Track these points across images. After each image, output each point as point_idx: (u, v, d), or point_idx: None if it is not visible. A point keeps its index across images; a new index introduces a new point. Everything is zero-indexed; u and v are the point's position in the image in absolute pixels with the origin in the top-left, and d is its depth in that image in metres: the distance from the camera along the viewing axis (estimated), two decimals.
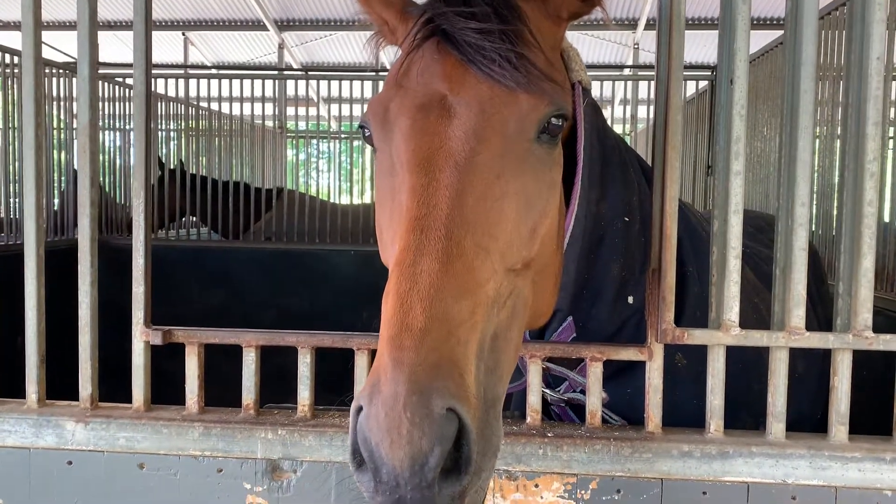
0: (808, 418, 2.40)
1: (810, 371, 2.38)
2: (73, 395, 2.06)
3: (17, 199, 6.61)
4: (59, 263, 3.24)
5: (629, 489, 1.82)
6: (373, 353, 1.90)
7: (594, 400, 1.89)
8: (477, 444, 1.17)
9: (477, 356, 1.25)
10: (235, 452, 1.92)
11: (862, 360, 1.86)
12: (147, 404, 2.00)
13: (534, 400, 1.90)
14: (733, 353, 1.93)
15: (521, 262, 1.45)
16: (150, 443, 1.93)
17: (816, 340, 1.79)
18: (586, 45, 16.65)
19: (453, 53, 1.51)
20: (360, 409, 1.18)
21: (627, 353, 1.87)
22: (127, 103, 7.94)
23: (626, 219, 1.98)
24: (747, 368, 2.05)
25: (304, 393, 1.96)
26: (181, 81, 8.50)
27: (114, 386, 2.41)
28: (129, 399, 2.01)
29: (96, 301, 2.00)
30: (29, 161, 1.98)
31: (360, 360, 1.94)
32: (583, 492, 1.83)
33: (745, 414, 2.05)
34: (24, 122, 1.96)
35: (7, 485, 1.97)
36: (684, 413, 1.97)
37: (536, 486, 1.85)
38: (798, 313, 1.78)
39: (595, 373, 1.87)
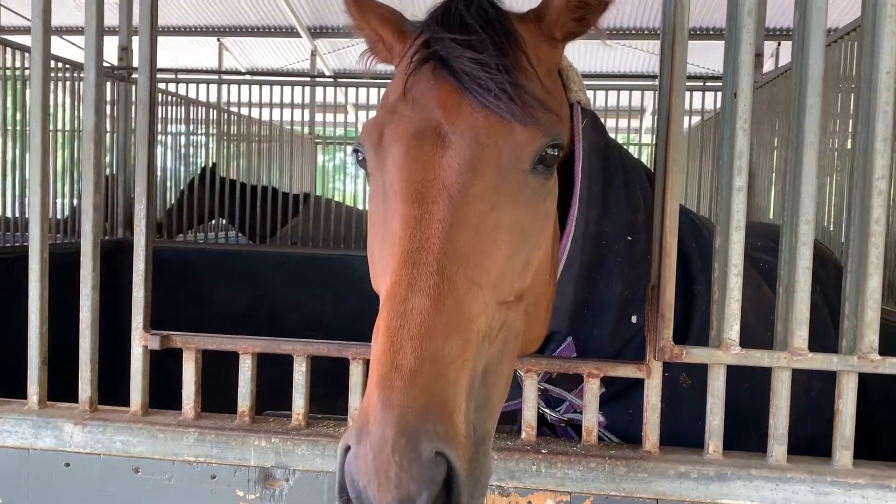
0: (824, 438, 2.33)
1: (827, 390, 2.32)
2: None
3: (63, 200, 6.79)
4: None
5: None
6: (368, 363, 1.88)
7: (591, 416, 1.85)
8: (466, 486, 1.15)
9: (467, 393, 1.23)
10: (229, 459, 1.92)
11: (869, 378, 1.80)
12: (144, 408, 2.01)
13: (529, 415, 1.87)
14: (743, 373, 1.89)
15: (514, 294, 1.42)
16: (145, 447, 1.94)
17: (819, 362, 1.74)
18: (618, 54, 16.55)
19: (449, 81, 1.49)
20: (347, 448, 1.17)
21: (625, 370, 1.84)
22: (161, 107, 8.10)
23: (629, 238, 1.95)
24: (758, 389, 2.00)
25: (299, 401, 1.96)
26: (213, 87, 8.63)
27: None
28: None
29: (97, 305, 2.02)
30: (35, 165, 2.01)
31: (356, 370, 1.93)
32: None
33: (755, 436, 2.00)
34: (31, 126, 1.99)
35: (7, 485, 2.00)
36: (689, 435, 1.92)
37: (529, 502, 1.82)
38: (801, 334, 1.73)
39: (592, 389, 1.84)
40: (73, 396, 2.06)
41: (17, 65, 6.05)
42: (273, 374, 2.37)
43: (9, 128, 6.13)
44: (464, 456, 1.16)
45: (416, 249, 1.32)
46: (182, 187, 8.41)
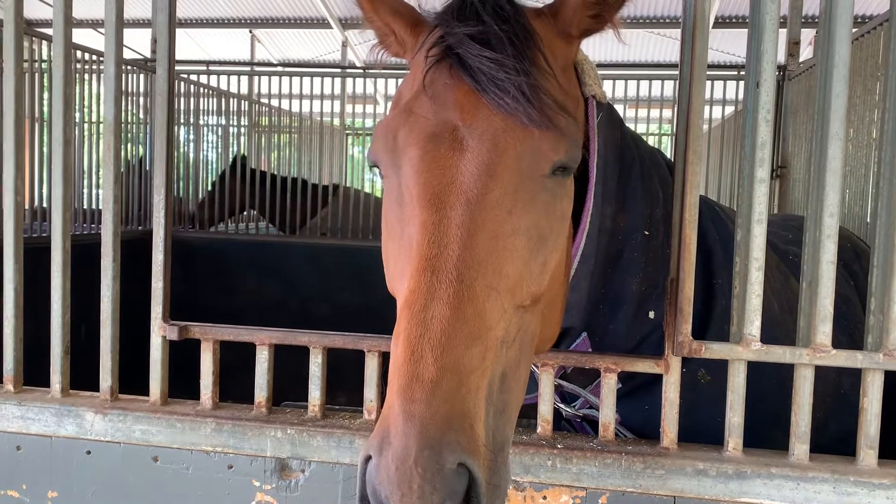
0: (853, 437, 2.27)
1: (858, 388, 2.26)
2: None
3: (95, 191, 6.91)
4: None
5: None
6: (384, 355, 1.88)
7: (607, 412, 1.83)
8: (486, 497, 1.15)
9: (486, 401, 1.23)
10: (246, 450, 1.93)
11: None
12: (164, 398, 2.03)
13: (545, 409, 1.85)
14: (769, 370, 1.85)
15: (531, 298, 1.40)
16: (164, 436, 1.96)
17: (844, 359, 1.69)
18: (651, 42, 16.32)
19: (467, 81, 1.45)
20: (368, 457, 1.17)
21: (643, 366, 1.81)
22: (193, 99, 8.18)
23: (647, 232, 1.91)
24: (785, 385, 1.96)
25: (315, 393, 1.96)
26: (245, 79, 8.69)
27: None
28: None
29: (118, 295, 2.05)
30: (57, 155, 2.04)
31: (371, 363, 1.92)
32: None
33: (780, 433, 1.96)
34: (53, 117, 2.01)
35: (30, 472, 2.03)
36: (708, 432, 1.89)
37: (544, 497, 1.80)
38: (824, 330, 1.68)
39: (609, 384, 1.81)
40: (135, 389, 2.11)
41: (46, 57, 6.14)
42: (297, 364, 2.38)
43: (45, 120, 6.24)
44: (485, 465, 1.16)
45: (435, 256, 1.30)
46: (213, 178, 8.51)
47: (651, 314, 1.91)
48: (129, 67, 7.15)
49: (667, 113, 10.31)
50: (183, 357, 2.41)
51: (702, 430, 1.86)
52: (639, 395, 1.95)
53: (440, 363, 1.18)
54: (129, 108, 7.29)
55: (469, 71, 1.45)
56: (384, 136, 1.51)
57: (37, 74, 5.94)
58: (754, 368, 1.78)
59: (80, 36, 14.96)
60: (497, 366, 1.27)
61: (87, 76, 6.67)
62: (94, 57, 6.76)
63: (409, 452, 1.11)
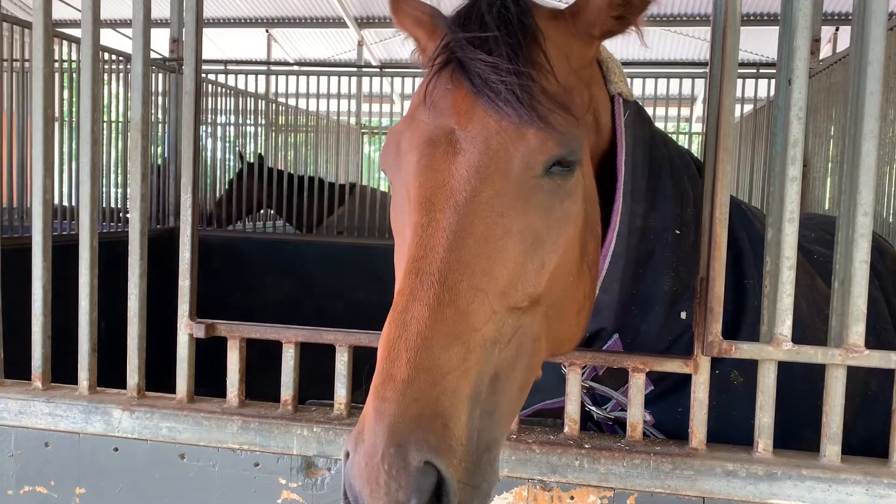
0: (881, 438, 2.25)
1: (886, 388, 2.24)
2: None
3: (114, 190, 6.97)
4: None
5: None
6: None
7: (635, 412, 1.81)
8: (458, 495, 1.17)
9: (471, 401, 1.23)
10: (272, 447, 1.93)
11: None
12: (190, 395, 2.04)
13: (572, 409, 1.84)
14: (802, 371, 1.83)
15: (528, 299, 1.39)
16: (190, 434, 1.97)
17: (877, 360, 1.67)
18: (669, 41, 16.24)
19: (465, 85, 1.46)
20: (348, 453, 1.22)
21: (672, 365, 1.79)
22: (211, 98, 8.23)
23: (678, 231, 1.89)
24: (817, 386, 1.94)
25: (341, 391, 1.96)
26: (262, 78, 8.72)
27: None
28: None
29: (145, 293, 2.06)
30: (85, 154, 2.05)
31: None
32: None
33: (812, 434, 1.94)
34: (81, 116, 2.03)
35: (58, 468, 2.05)
36: (740, 434, 1.87)
37: (572, 497, 1.79)
38: (857, 330, 1.66)
39: (637, 384, 1.80)
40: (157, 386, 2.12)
41: (74, 57, 6.19)
42: (318, 362, 2.38)
43: (66, 119, 6.29)
44: (459, 464, 1.18)
45: (421, 258, 1.32)
46: (231, 177, 8.55)
47: (683, 315, 1.89)
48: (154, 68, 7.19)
49: (684, 111, 10.26)
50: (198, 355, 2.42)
51: (735, 431, 1.84)
52: (671, 398, 1.94)
53: (413, 363, 1.20)
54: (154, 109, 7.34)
55: (468, 75, 1.46)
56: (391, 142, 1.55)
57: (56, 74, 5.99)
58: (786, 369, 1.76)
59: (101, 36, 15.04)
60: (485, 366, 1.28)
61: (106, 76, 6.72)
62: (115, 57, 6.81)
63: (377, 450, 1.14)
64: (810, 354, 1.69)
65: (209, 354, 2.48)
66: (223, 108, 8.54)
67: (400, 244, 1.48)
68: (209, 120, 8.26)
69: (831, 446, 1.71)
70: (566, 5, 1.70)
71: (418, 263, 1.31)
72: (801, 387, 1.93)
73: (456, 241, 1.32)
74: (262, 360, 2.70)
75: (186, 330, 2.03)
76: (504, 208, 1.38)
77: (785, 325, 1.69)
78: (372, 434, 1.16)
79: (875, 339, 2.36)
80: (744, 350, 1.71)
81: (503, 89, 1.41)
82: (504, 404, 1.32)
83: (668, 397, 1.96)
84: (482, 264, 1.32)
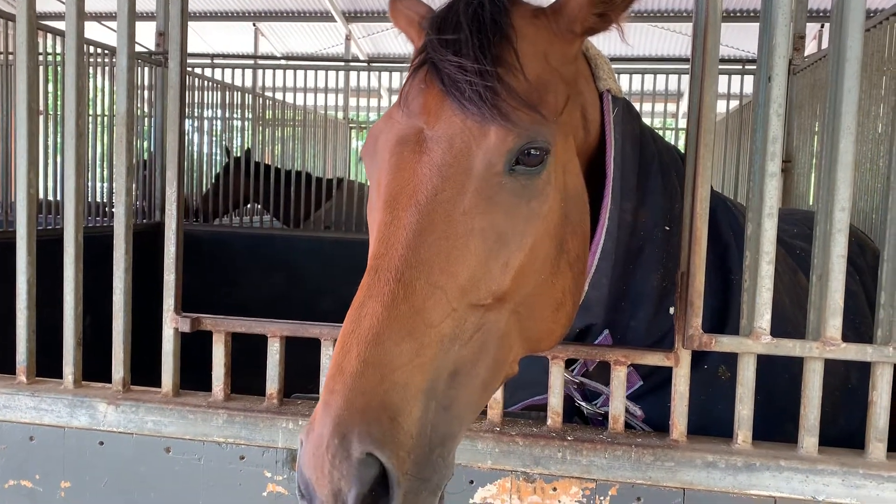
0: (861, 430, 2.28)
1: (865, 382, 2.27)
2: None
3: (98, 184, 6.94)
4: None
5: (650, 498, 1.77)
6: None
7: (617, 404, 1.84)
8: (404, 486, 1.20)
9: (426, 395, 1.26)
10: (258, 441, 1.94)
11: None
12: (175, 389, 2.05)
13: (554, 402, 1.86)
14: (782, 364, 1.85)
15: (492, 296, 1.40)
16: (176, 427, 1.98)
17: (854, 352, 1.70)
18: (655, 36, 16.29)
19: (436, 85, 1.49)
20: (302, 442, 1.26)
21: (653, 358, 1.82)
22: (197, 92, 8.20)
23: (667, 227, 1.91)
24: (797, 379, 1.96)
25: None
26: (249, 72, 8.69)
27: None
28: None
29: (130, 287, 2.06)
30: (70, 148, 2.05)
31: None
32: (602, 498, 1.79)
33: (793, 427, 1.97)
34: (66, 110, 2.02)
35: (43, 462, 2.05)
36: (727, 428, 1.89)
37: (554, 489, 1.82)
38: (834, 323, 1.69)
39: (619, 377, 1.82)
40: (143, 380, 2.13)
41: (57, 50, 6.14)
42: (304, 356, 2.39)
43: (50, 113, 6.25)
44: (407, 456, 1.21)
45: (381, 255, 1.35)
46: (217, 171, 8.52)
47: (671, 310, 1.91)
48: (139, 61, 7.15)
49: (671, 107, 10.30)
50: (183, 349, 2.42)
51: (722, 425, 1.86)
52: (660, 393, 1.96)
53: (363, 357, 1.24)
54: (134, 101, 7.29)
55: (439, 75, 1.49)
56: (370, 140, 1.58)
57: (41, 67, 5.95)
58: (768, 362, 1.78)
59: (85, 29, 14.93)
60: (443, 362, 1.30)
61: (91, 70, 6.68)
62: (100, 50, 6.77)
63: (322, 440, 1.19)
64: (789, 347, 1.72)
65: (195, 349, 2.48)
66: (210, 102, 8.50)
67: (370, 241, 1.51)
68: (196, 114, 8.23)
69: (809, 438, 1.74)
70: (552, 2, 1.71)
71: (378, 261, 1.35)
72: (782, 380, 1.96)
73: (415, 239, 1.35)
74: (248, 354, 2.71)
75: (171, 324, 2.03)
76: (466, 207, 1.40)
77: (764, 319, 1.72)
78: (320, 425, 1.20)
79: (854, 333, 2.39)
80: (724, 343, 1.74)
81: (468, 89, 1.43)
82: (463, 400, 1.34)
83: (657, 392, 1.98)
84: (441, 262, 1.35)
